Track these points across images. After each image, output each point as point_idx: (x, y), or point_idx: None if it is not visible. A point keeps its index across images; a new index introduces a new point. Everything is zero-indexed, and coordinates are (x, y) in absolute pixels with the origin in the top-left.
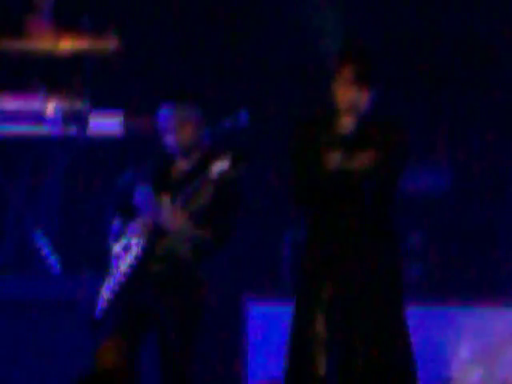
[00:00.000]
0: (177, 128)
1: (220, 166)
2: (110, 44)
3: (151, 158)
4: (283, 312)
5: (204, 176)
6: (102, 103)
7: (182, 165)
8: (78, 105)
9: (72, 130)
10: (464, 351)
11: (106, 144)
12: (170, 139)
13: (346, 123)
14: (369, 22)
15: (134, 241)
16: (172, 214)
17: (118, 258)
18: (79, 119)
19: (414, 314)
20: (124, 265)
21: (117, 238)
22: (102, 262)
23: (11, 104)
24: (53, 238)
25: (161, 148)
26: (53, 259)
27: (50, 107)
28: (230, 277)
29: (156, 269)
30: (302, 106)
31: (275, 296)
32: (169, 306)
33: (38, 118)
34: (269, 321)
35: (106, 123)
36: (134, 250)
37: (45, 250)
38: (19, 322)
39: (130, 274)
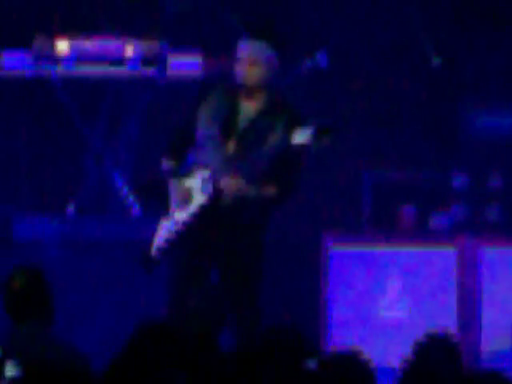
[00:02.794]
0: (247, 64)
1: (304, 136)
2: None
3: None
4: (363, 252)
5: (284, 144)
6: (181, 43)
7: (247, 106)
8: (157, 45)
9: (151, 70)
10: None
11: (185, 84)
12: (239, 73)
13: None
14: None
15: (197, 190)
16: (232, 188)
17: (176, 203)
18: (158, 60)
19: (492, 254)
20: (184, 213)
21: (170, 175)
22: (159, 199)
23: (91, 46)
24: (132, 178)
25: (225, 85)
26: (132, 200)
27: (129, 48)
28: (311, 218)
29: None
30: None
31: (355, 237)
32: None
33: (117, 59)
34: (349, 261)
35: (185, 63)
36: (198, 199)
37: (124, 191)
38: (99, 263)
39: (191, 222)
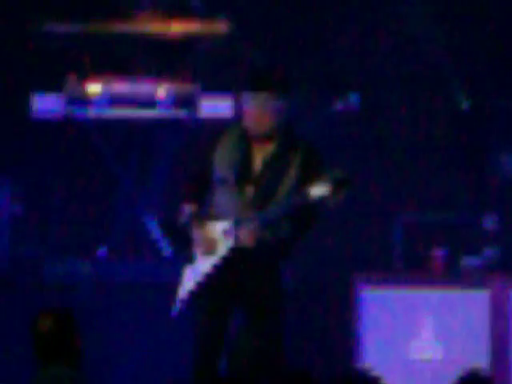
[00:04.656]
0: (253, 117)
1: (321, 190)
2: (220, 27)
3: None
4: (394, 295)
5: (301, 198)
6: (213, 86)
7: (262, 149)
8: (189, 88)
9: (183, 113)
10: None
11: (217, 127)
12: (248, 122)
13: None
14: None
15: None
16: (249, 240)
17: (200, 253)
18: (190, 102)
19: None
20: (207, 264)
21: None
22: (182, 243)
23: (123, 87)
24: (163, 221)
25: (240, 128)
26: (163, 242)
27: (162, 90)
28: (342, 260)
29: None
30: None
31: (386, 279)
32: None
33: (150, 101)
34: (380, 304)
35: (216, 106)
36: (221, 251)
37: (156, 234)
38: (132, 305)
39: (214, 274)
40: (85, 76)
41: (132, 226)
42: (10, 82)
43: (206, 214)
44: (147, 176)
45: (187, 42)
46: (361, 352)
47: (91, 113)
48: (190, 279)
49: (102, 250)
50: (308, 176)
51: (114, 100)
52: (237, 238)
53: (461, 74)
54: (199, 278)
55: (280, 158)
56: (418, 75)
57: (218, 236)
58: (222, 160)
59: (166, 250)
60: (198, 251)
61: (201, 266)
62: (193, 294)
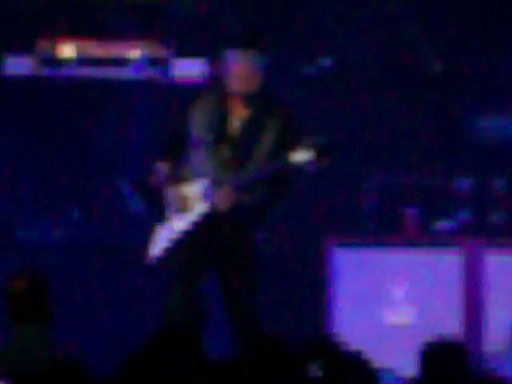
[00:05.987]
0: (249, 71)
1: (303, 156)
2: None
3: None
4: (367, 257)
5: (282, 162)
6: (186, 48)
7: (240, 110)
8: (163, 49)
9: (156, 73)
10: None
11: (190, 86)
12: (237, 82)
13: None
14: None
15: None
16: (225, 202)
17: (174, 210)
18: (163, 63)
19: (497, 260)
20: (181, 222)
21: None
22: (153, 203)
23: (96, 48)
24: (133, 180)
25: (217, 89)
26: (136, 203)
27: (135, 52)
28: (314, 222)
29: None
30: None
31: (359, 242)
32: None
33: (123, 62)
34: (353, 266)
35: (189, 65)
36: (197, 208)
37: (128, 195)
38: (103, 266)
39: (189, 231)
40: (58, 36)
41: (106, 187)
42: None
43: (181, 174)
44: (121, 136)
45: (161, 4)
46: (333, 315)
47: (64, 72)
48: (162, 237)
49: (75, 211)
50: (285, 140)
51: (86, 60)
52: (213, 199)
53: (432, 37)
54: (173, 236)
55: (258, 121)
56: (389, 39)
57: (193, 195)
58: (200, 120)
59: (137, 208)
60: (171, 210)
61: (174, 225)
62: (167, 251)
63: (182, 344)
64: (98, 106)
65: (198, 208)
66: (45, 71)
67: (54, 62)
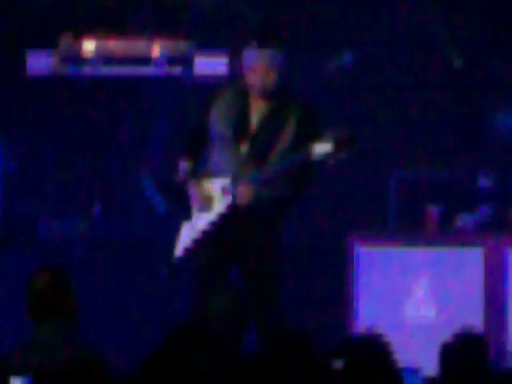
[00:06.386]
0: (265, 69)
1: (324, 148)
2: None
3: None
4: (389, 253)
5: (303, 155)
6: (208, 44)
7: (259, 106)
8: (184, 45)
9: (178, 70)
10: None
11: (212, 84)
12: (255, 80)
13: None
14: None
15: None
16: (246, 197)
17: (195, 209)
18: (185, 60)
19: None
20: (203, 221)
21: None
22: (179, 202)
23: (117, 46)
24: (158, 180)
25: (236, 85)
26: (158, 200)
27: (156, 48)
28: (336, 217)
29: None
30: None
31: (381, 237)
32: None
33: (144, 59)
34: (375, 262)
35: (211, 63)
36: (218, 207)
37: (150, 191)
38: (127, 262)
39: (211, 230)
40: (80, 34)
41: (127, 184)
42: (4, 39)
43: (202, 171)
44: (142, 134)
45: (182, 1)
46: (355, 312)
47: (85, 70)
48: (186, 236)
49: (96, 208)
50: (305, 134)
51: (108, 58)
52: (234, 196)
53: (455, 33)
54: (196, 235)
55: (277, 116)
56: (412, 35)
57: (215, 193)
58: (220, 116)
59: (160, 207)
60: (194, 208)
61: (197, 223)
62: (189, 251)
63: (201, 341)
64: (120, 103)
65: (219, 206)
66: (66, 69)
67: (76, 59)
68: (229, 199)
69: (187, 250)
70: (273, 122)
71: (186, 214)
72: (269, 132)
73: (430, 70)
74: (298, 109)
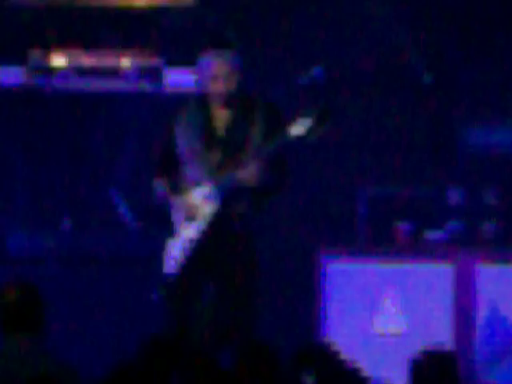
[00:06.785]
0: (226, 75)
1: (302, 127)
2: (184, 0)
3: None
4: (358, 268)
5: (283, 138)
6: (178, 59)
7: (222, 112)
8: (154, 61)
9: (148, 85)
10: None
11: (181, 100)
12: (217, 87)
13: None
14: None
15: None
16: (253, 177)
17: (182, 221)
18: (155, 75)
19: (488, 271)
20: (192, 230)
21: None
22: (161, 221)
23: (87, 60)
24: (128, 194)
25: (196, 97)
26: (129, 216)
27: (126, 63)
28: (305, 234)
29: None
30: None
31: (350, 252)
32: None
33: (114, 73)
34: (344, 277)
35: (181, 79)
36: (204, 215)
37: (121, 207)
38: (94, 278)
39: (199, 240)
40: (49, 49)
41: (97, 199)
42: None
43: (179, 187)
44: (112, 147)
45: (151, 15)
46: (325, 326)
47: (55, 85)
48: (176, 251)
49: (66, 223)
50: (272, 129)
51: (78, 73)
52: (240, 179)
53: (424, 47)
54: (185, 245)
55: (242, 117)
56: (381, 50)
57: (198, 201)
58: (185, 132)
59: (132, 223)
60: (178, 219)
61: (185, 234)
62: (182, 265)
63: (172, 353)
64: (90, 116)
65: (205, 212)
66: (36, 81)
67: (46, 71)
68: (212, 207)
69: (180, 264)
70: (239, 124)
71: (170, 231)
72: (237, 134)
73: (400, 86)
74: (261, 106)
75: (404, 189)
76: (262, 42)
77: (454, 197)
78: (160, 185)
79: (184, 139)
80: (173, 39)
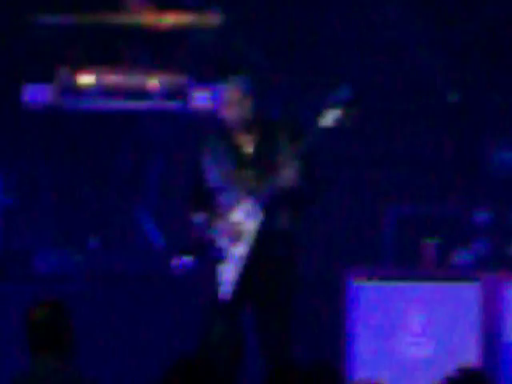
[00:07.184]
0: (239, 101)
1: (332, 115)
2: (212, 19)
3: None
4: (385, 288)
5: (315, 130)
6: (205, 78)
7: (245, 140)
8: (181, 79)
9: (175, 104)
10: None
11: (208, 118)
12: (232, 113)
13: None
14: None
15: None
16: (292, 178)
17: (228, 243)
18: (182, 94)
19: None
20: (240, 249)
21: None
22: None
23: (115, 79)
24: (155, 213)
25: (216, 126)
26: (155, 235)
27: (153, 82)
28: (333, 252)
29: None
30: None
31: (378, 272)
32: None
33: (141, 92)
34: (371, 297)
35: (209, 97)
36: (248, 232)
37: (147, 226)
38: (121, 297)
39: (250, 256)
40: (77, 67)
41: (124, 218)
42: (2, 73)
43: (218, 214)
44: (139, 166)
45: (179, 34)
46: (352, 347)
47: (83, 104)
48: (227, 273)
49: (93, 241)
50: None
51: (105, 91)
52: (279, 182)
53: (451, 68)
54: (238, 264)
55: (266, 141)
56: (408, 69)
57: (241, 219)
58: (215, 162)
59: (158, 242)
60: (224, 243)
61: (236, 253)
62: (237, 283)
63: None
64: (117, 136)
65: (250, 229)
66: (64, 100)
67: (74, 90)
68: (256, 222)
69: (236, 285)
70: (265, 146)
71: (218, 258)
72: (266, 154)
73: (428, 105)
74: (285, 128)
75: (432, 207)
76: (288, 61)
77: (481, 216)
78: (198, 216)
79: (214, 170)
80: (199, 58)
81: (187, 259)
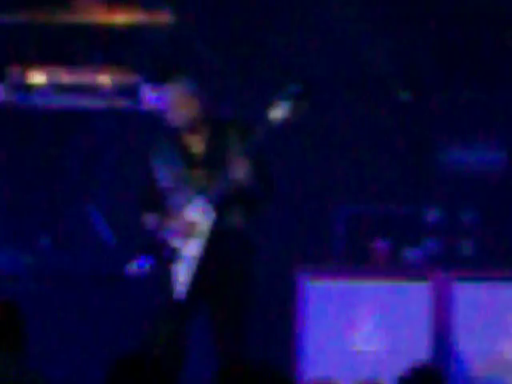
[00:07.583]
0: (183, 102)
1: (282, 109)
2: (163, 18)
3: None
4: (336, 287)
5: (266, 123)
6: (156, 77)
7: (194, 139)
8: (132, 78)
9: (126, 103)
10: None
11: (159, 118)
12: (177, 115)
13: None
14: None
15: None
16: (242, 170)
17: (181, 242)
18: (133, 92)
19: (465, 288)
20: (192, 248)
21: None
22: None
23: (66, 77)
24: (106, 212)
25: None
26: (106, 234)
27: (105, 80)
28: (282, 251)
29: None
30: None
31: (328, 271)
32: (222, 280)
33: (93, 91)
34: (322, 296)
35: (159, 97)
36: (201, 231)
37: (98, 225)
38: (72, 296)
39: (203, 256)
40: (28, 66)
41: (75, 217)
42: None
43: (169, 215)
44: (90, 165)
45: (130, 32)
46: (304, 344)
47: (34, 101)
48: (181, 274)
49: (44, 241)
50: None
51: (57, 90)
52: (231, 179)
53: (403, 67)
54: (191, 263)
55: (215, 140)
56: (359, 68)
57: (193, 218)
58: (164, 163)
59: (109, 240)
60: (177, 240)
61: (188, 252)
62: (192, 285)
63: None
64: (68, 133)
65: (203, 227)
66: (15, 98)
67: (25, 88)
68: (208, 220)
69: (188, 286)
70: (215, 145)
71: (171, 258)
72: (216, 153)
73: (378, 103)
74: (235, 126)
75: (382, 207)
76: (240, 56)
77: (432, 215)
78: (150, 217)
79: (164, 171)
80: (151, 57)
81: (143, 260)
